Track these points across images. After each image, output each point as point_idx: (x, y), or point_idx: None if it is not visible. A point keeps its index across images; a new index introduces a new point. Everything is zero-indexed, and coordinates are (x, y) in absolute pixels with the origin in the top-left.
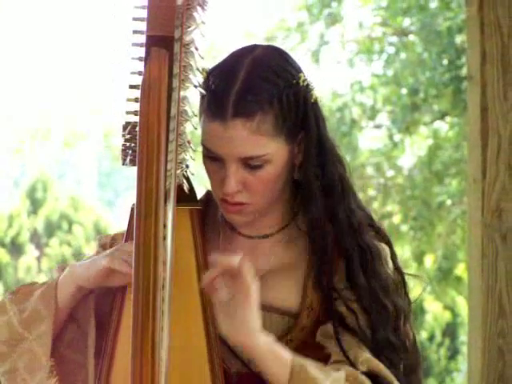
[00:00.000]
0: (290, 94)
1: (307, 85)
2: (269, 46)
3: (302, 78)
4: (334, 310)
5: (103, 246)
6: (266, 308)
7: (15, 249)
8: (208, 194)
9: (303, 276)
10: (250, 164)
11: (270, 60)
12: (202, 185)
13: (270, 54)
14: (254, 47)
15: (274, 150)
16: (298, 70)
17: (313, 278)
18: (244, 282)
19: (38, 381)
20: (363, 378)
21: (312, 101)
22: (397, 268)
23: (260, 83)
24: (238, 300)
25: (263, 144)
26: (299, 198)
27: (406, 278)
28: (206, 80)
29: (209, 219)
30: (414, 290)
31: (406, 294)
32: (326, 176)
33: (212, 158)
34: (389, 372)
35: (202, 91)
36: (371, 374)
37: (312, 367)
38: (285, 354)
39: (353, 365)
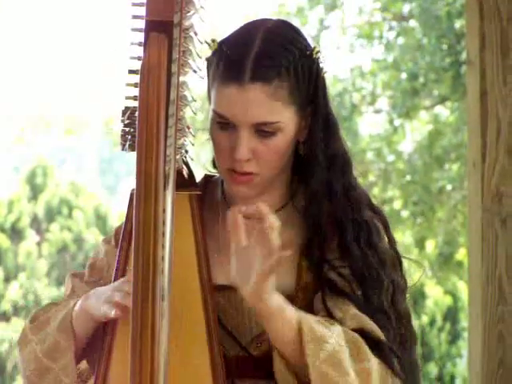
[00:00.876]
0: (304, 65)
1: (319, 58)
2: (279, 20)
3: (316, 50)
4: (325, 278)
5: (108, 242)
6: None
7: (15, 234)
8: (206, 177)
9: (298, 257)
10: (263, 131)
11: (284, 30)
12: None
13: (282, 26)
14: (265, 20)
15: (286, 119)
16: (309, 43)
17: (305, 250)
18: (268, 228)
19: None
20: (353, 333)
21: (322, 75)
22: (393, 249)
23: (277, 49)
24: (258, 251)
25: (278, 110)
26: (297, 178)
27: (406, 262)
28: (219, 49)
29: (208, 202)
30: (414, 275)
31: (403, 275)
32: (330, 151)
33: (223, 126)
34: (376, 327)
35: (202, 76)
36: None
37: (317, 325)
38: (293, 316)
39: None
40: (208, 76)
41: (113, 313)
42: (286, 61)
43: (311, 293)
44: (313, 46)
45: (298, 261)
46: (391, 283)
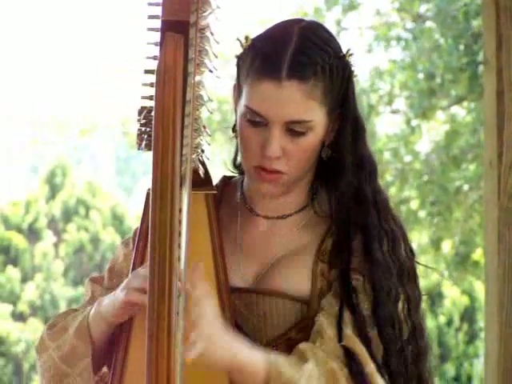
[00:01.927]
0: (338, 66)
1: (350, 62)
2: (313, 20)
3: (349, 53)
4: (350, 285)
5: (127, 245)
6: (279, 295)
7: (32, 235)
8: (224, 178)
9: (312, 262)
10: (294, 130)
11: (318, 30)
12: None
13: (317, 26)
14: (298, 19)
15: (318, 119)
16: (340, 46)
17: (332, 255)
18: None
19: None
20: (333, 365)
21: (352, 78)
22: (410, 261)
23: (313, 48)
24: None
25: (312, 109)
26: (317, 181)
27: (422, 268)
28: (252, 46)
29: (226, 203)
30: (431, 276)
31: (418, 287)
32: (358, 154)
33: (254, 123)
34: (365, 353)
35: (218, 75)
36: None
37: (287, 367)
38: (257, 361)
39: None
40: (239, 73)
41: (130, 297)
42: (321, 60)
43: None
44: (346, 49)
45: (312, 266)
46: (406, 295)
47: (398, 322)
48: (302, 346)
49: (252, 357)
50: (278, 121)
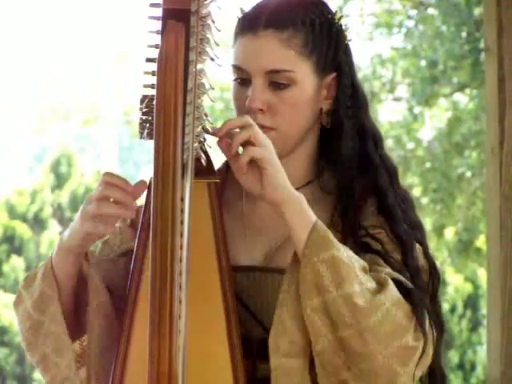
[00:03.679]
0: (323, 23)
1: (341, 25)
2: None
3: (338, 16)
4: (360, 242)
5: (124, 220)
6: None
7: (37, 224)
8: (227, 163)
9: None
10: (276, 82)
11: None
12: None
13: None
14: None
15: (300, 71)
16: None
17: (340, 217)
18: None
19: (68, 361)
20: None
21: (345, 42)
22: (420, 222)
23: (296, 4)
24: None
25: (290, 58)
26: (324, 158)
27: None
28: (242, 14)
29: (231, 185)
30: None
31: (429, 252)
32: (359, 121)
33: (241, 82)
34: (410, 284)
35: (220, 64)
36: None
37: (334, 238)
38: (311, 215)
39: None
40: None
41: (101, 228)
42: (302, 14)
43: None
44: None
45: None
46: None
47: (422, 272)
48: None
49: (309, 209)
50: (258, 72)
